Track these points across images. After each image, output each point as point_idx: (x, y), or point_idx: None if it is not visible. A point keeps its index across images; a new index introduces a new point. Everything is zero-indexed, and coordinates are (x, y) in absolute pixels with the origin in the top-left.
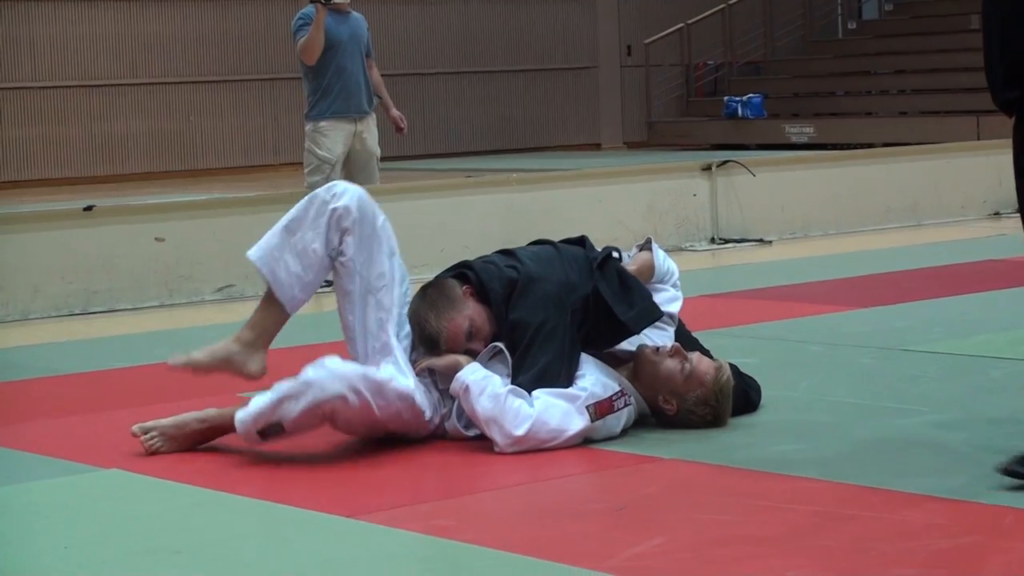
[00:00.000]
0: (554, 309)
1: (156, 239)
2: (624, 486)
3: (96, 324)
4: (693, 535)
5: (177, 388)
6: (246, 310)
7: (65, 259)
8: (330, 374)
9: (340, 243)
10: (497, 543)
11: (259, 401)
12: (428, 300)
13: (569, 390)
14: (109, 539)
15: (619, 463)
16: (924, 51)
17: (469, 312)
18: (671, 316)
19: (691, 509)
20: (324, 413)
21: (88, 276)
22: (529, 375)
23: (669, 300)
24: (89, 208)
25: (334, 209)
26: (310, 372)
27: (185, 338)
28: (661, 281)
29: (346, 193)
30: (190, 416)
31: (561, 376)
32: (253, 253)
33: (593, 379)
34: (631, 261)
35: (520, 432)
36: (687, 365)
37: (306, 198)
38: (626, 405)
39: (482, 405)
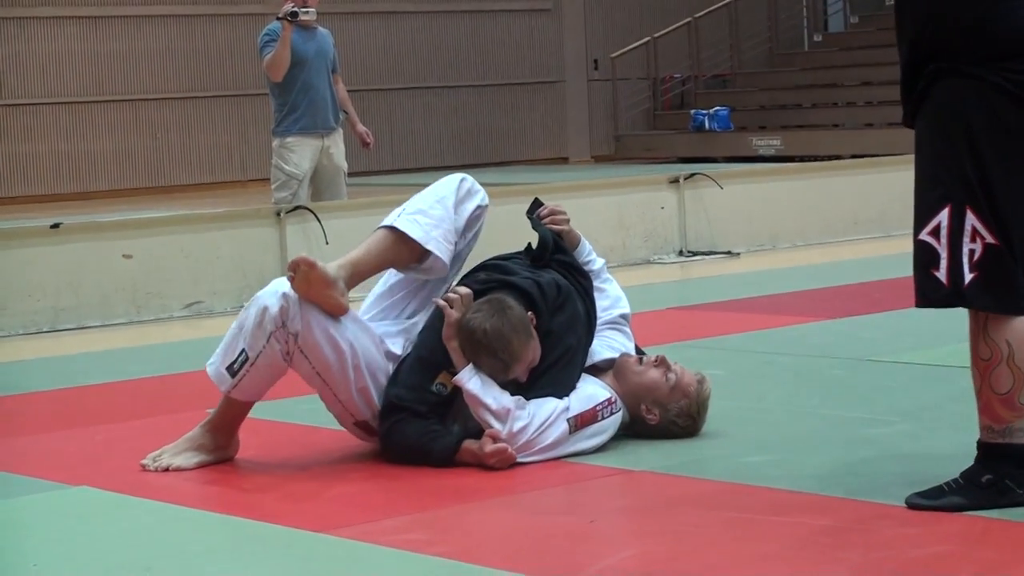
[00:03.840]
0: (581, 330)
1: (124, 256)
2: (596, 499)
3: (64, 341)
4: (664, 547)
5: (146, 405)
6: (215, 326)
7: (32, 276)
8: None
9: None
10: (469, 557)
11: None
12: (511, 323)
13: (558, 403)
14: (79, 557)
15: (591, 475)
16: (890, 63)
17: (535, 345)
18: (624, 316)
19: (662, 521)
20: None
21: (56, 293)
22: (544, 391)
23: (616, 300)
24: (56, 225)
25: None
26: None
27: (154, 355)
28: (583, 257)
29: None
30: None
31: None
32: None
33: (579, 394)
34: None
35: (517, 427)
36: (672, 376)
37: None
38: (612, 414)
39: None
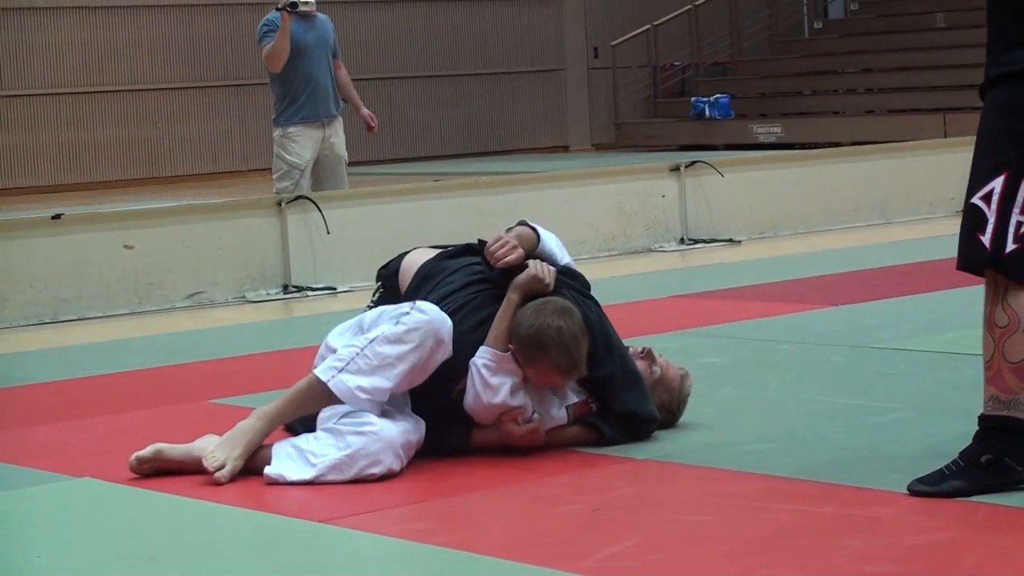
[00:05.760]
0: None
1: (125, 247)
2: (598, 487)
3: (66, 332)
4: (667, 535)
5: (148, 396)
6: (216, 317)
7: (34, 267)
8: (381, 443)
9: None
10: (472, 546)
11: (296, 469)
12: (580, 326)
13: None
14: (82, 547)
15: (593, 464)
16: (890, 50)
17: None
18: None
19: (665, 509)
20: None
21: (57, 284)
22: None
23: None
24: (57, 216)
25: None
26: (357, 440)
27: (155, 345)
28: (547, 254)
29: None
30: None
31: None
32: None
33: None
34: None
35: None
36: (656, 370)
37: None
38: (596, 411)
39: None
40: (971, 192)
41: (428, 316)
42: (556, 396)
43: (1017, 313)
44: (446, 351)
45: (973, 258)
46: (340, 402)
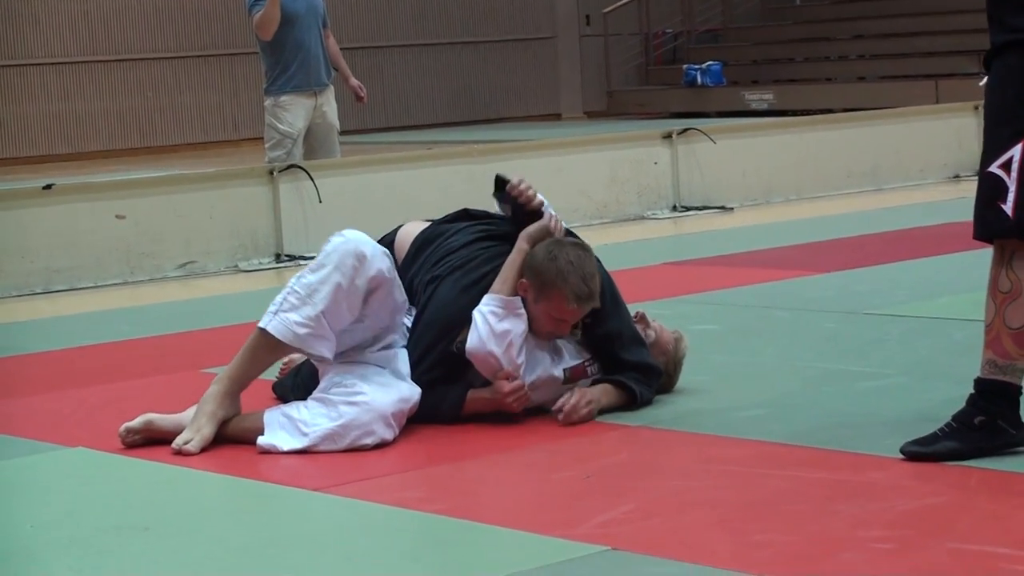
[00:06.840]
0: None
1: (117, 216)
2: (592, 454)
3: (58, 302)
4: (662, 501)
5: (140, 366)
6: (208, 286)
7: (25, 238)
8: (372, 413)
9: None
10: (466, 513)
11: (288, 440)
12: (593, 263)
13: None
14: (76, 517)
15: (586, 431)
16: (882, 16)
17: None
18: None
19: (659, 475)
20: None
21: (49, 254)
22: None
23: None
24: (49, 186)
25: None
26: (349, 411)
27: (147, 315)
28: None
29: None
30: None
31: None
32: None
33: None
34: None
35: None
36: (650, 333)
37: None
38: (593, 375)
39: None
40: (987, 161)
41: (344, 238)
42: (554, 356)
43: (1020, 280)
44: (371, 267)
45: (995, 227)
46: (291, 349)
